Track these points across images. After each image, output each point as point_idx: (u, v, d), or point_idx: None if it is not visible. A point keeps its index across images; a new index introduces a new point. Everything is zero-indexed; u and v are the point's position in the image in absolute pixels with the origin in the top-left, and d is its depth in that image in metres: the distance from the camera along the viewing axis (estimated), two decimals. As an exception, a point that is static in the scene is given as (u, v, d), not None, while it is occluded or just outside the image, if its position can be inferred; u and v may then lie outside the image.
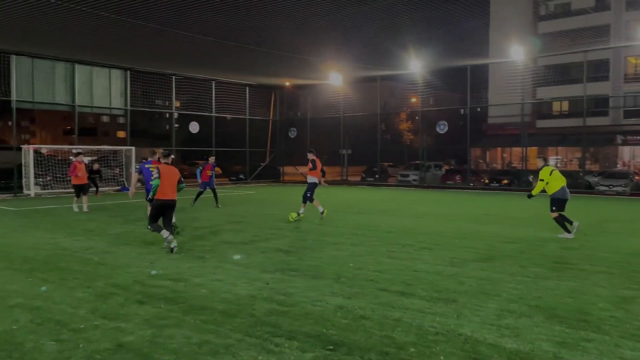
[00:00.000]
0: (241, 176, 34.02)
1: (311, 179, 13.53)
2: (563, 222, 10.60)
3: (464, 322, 5.20)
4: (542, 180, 10.68)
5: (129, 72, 26.23)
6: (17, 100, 22.48)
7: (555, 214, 10.66)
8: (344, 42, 21.30)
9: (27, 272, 7.44)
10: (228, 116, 32.33)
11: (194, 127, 29.85)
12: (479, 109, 30.57)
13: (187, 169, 42.10)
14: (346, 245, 9.69)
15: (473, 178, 28.93)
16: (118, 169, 25.41)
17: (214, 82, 30.14)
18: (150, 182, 10.09)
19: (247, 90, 32.32)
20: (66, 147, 28.31)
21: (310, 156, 13.71)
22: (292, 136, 34.31)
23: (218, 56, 23.29)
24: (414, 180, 30.35)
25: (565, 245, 9.73)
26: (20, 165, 22.20)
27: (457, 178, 30.38)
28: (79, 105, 24.56)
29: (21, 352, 4.43)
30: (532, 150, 31.37)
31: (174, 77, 28.03)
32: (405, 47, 22.43)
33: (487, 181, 28.63)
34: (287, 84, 33.18)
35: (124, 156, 25.22)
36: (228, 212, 15.64)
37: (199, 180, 16.88)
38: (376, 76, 29.86)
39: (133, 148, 25.27)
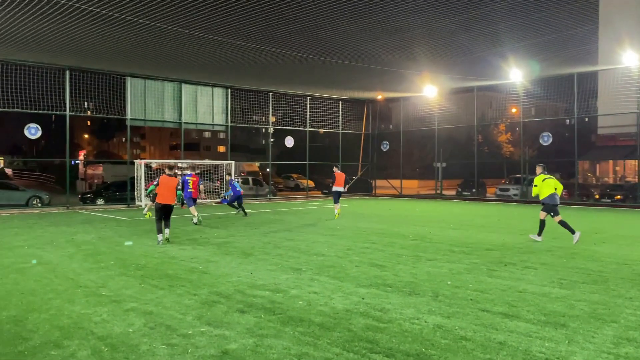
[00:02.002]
0: (334, 189, 34.40)
1: (335, 188, 17.57)
2: (543, 226, 11.99)
3: (577, 349, 4.83)
4: (536, 185, 11.99)
5: (229, 90, 27.64)
6: (131, 119, 24.49)
7: (543, 216, 11.95)
8: (439, 53, 20.89)
9: (140, 279, 8.01)
10: (321, 130, 32.90)
11: (289, 141, 30.71)
12: (587, 119, 28.49)
13: (281, 181, 43.37)
14: (442, 262, 9.41)
15: (581, 193, 26.97)
16: (219, 182, 26.73)
17: (308, 97, 30.87)
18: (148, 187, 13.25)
19: (341, 105, 32.73)
20: (172, 161, 30.29)
21: (335, 170, 17.75)
22: (384, 149, 34.13)
23: (313, 72, 23.84)
24: (515, 194, 28.87)
25: (693, 269, 8.74)
26: (133, 178, 24.07)
27: (563, 193, 28.45)
28: (184, 123, 26.25)
29: (137, 354, 4.76)
30: (649, 163, 28.51)
31: (270, 94, 29.11)
32: (504, 56, 21.53)
33: (597, 196, 26.56)
34: (380, 97, 33.16)
35: (224, 170, 26.48)
36: (321, 224, 15.84)
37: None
38: (473, 87, 28.95)
39: (233, 162, 26.48)
